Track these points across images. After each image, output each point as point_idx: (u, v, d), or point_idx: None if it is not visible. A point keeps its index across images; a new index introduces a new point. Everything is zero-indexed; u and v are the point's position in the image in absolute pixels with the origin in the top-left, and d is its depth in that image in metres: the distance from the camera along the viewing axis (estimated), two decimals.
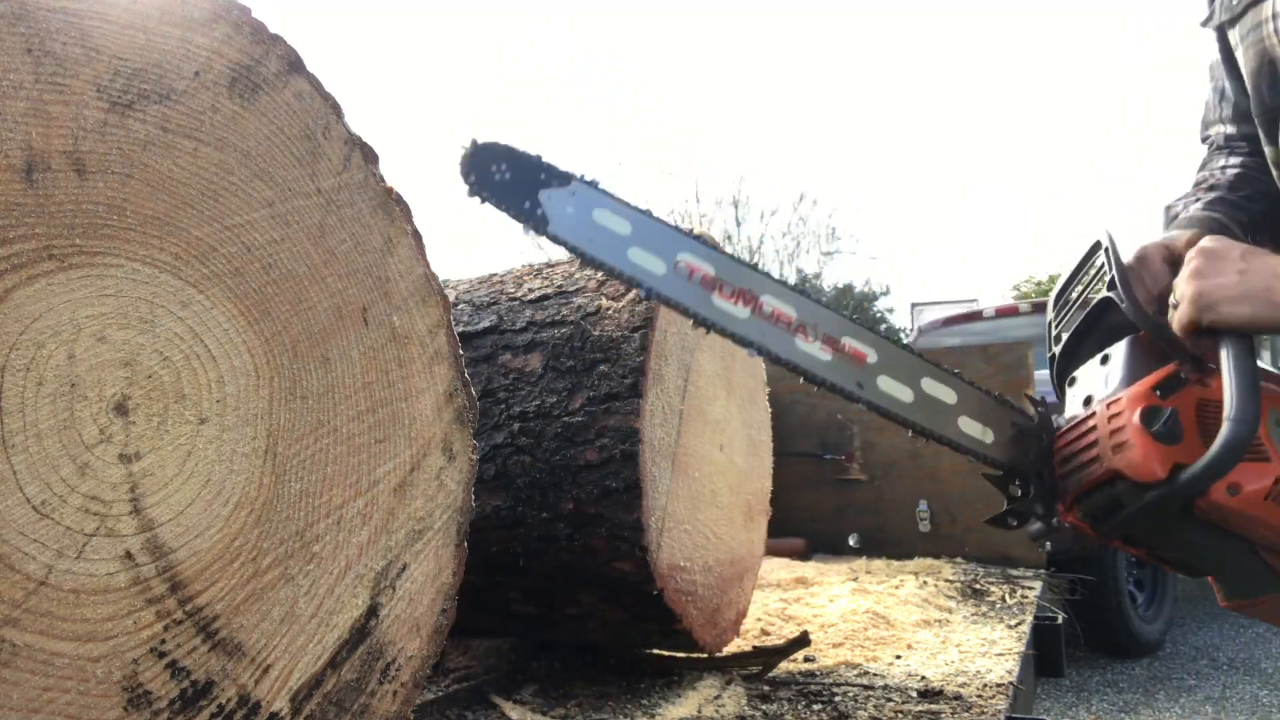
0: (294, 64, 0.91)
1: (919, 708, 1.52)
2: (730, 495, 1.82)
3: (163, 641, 0.78)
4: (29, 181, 0.71)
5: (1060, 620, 2.17)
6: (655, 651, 1.85)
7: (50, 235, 0.72)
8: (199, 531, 0.81)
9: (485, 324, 1.69)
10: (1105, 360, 1.13)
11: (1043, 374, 4.39)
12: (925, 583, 2.69)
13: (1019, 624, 2.20)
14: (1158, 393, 1.05)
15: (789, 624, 2.19)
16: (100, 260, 0.75)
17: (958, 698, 1.57)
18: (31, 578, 0.70)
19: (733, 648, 1.85)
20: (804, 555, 3.39)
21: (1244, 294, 1.01)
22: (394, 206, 1.01)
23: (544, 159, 1.14)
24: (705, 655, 1.76)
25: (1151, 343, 1.10)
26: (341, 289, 0.95)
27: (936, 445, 1.21)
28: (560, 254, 1.36)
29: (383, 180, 1.00)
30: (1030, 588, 2.66)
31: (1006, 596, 2.56)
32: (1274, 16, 1.12)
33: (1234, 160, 1.30)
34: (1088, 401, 1.14)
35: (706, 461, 1.73)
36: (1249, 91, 1.20)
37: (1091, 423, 1.11)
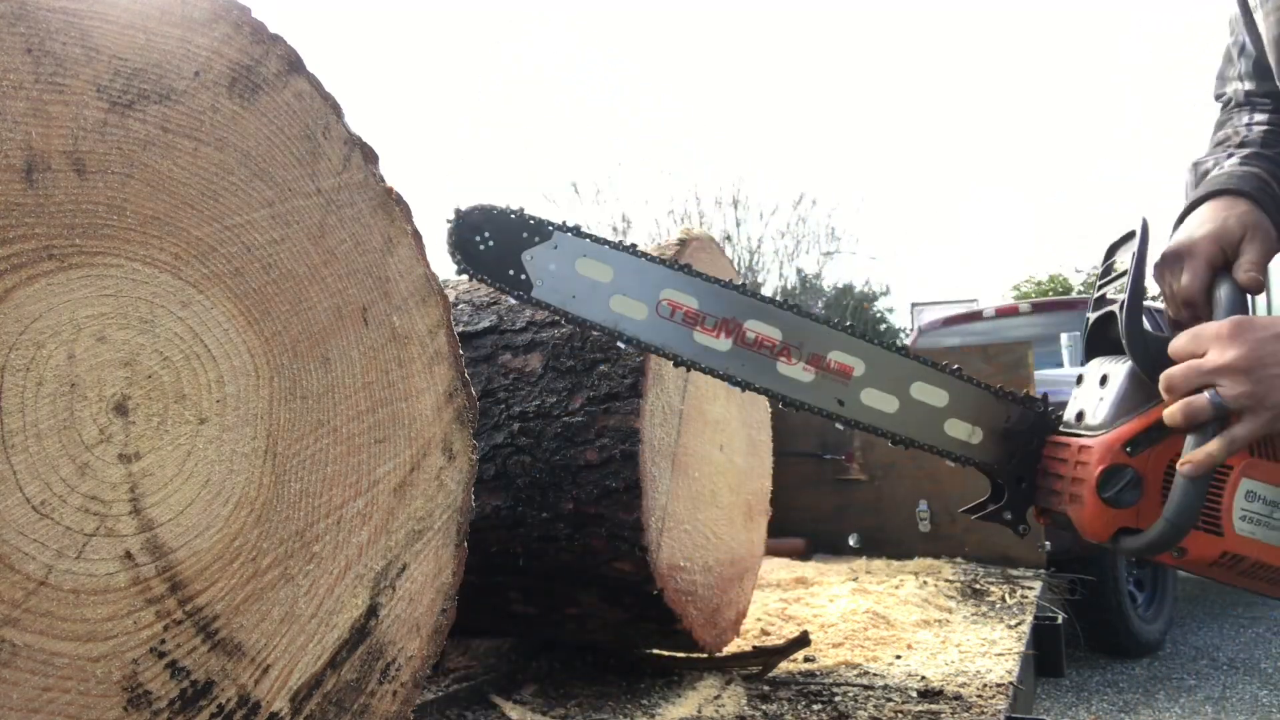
0: (294, 64, 0.91)
1: (919, 708, 1.52)
2: (730, 495, 1.82)
3: (163, 641, 0.78)
4: (29, 181, 0.71)
5: (1060, 620, 2.17)
6: (655, 651, 1.85)
7: (50, 235, 0.72)
8: (199, 531, 0.81)
9: (485, 324, 1.69)
10: (1104, 382, 1.12)
11: (1043, 374, 4.39)
12: (925, 583, 2.69)
13: (1019, 624, 2.20)
14: (1128, 450, 1.05)
15: (789, 624, 2.19)
16: (100, 260, 0.75)
17: (958, 698, 1.57)
18: (31, 578, 0.70)
19: (733, 648, 1.86)
20: (804, 555, 3.39)
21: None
22: (394, 206, 1.01)
23: (525, 212, 1.16)
24: (705, 655, 1.77)
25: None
26: (341, 289, 0.95)
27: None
28: None
29: (383, 180, 1.00)
30: (1030, 588, 2.66)
31: (1006, 596, 2.56)
32: None
33: (1259, 117, 1.25)
34: (1080, 417, 1.15)
35: (706, 461, 1.73)
36: (1271, 59, 1.17)
37: (1065, 455, 1.12)
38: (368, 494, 0.96)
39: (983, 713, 1.49)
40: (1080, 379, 1.18)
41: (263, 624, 0.86)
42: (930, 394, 1.19)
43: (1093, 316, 1.17)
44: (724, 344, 1.17)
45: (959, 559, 3.17)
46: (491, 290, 1.79)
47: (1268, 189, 1.13)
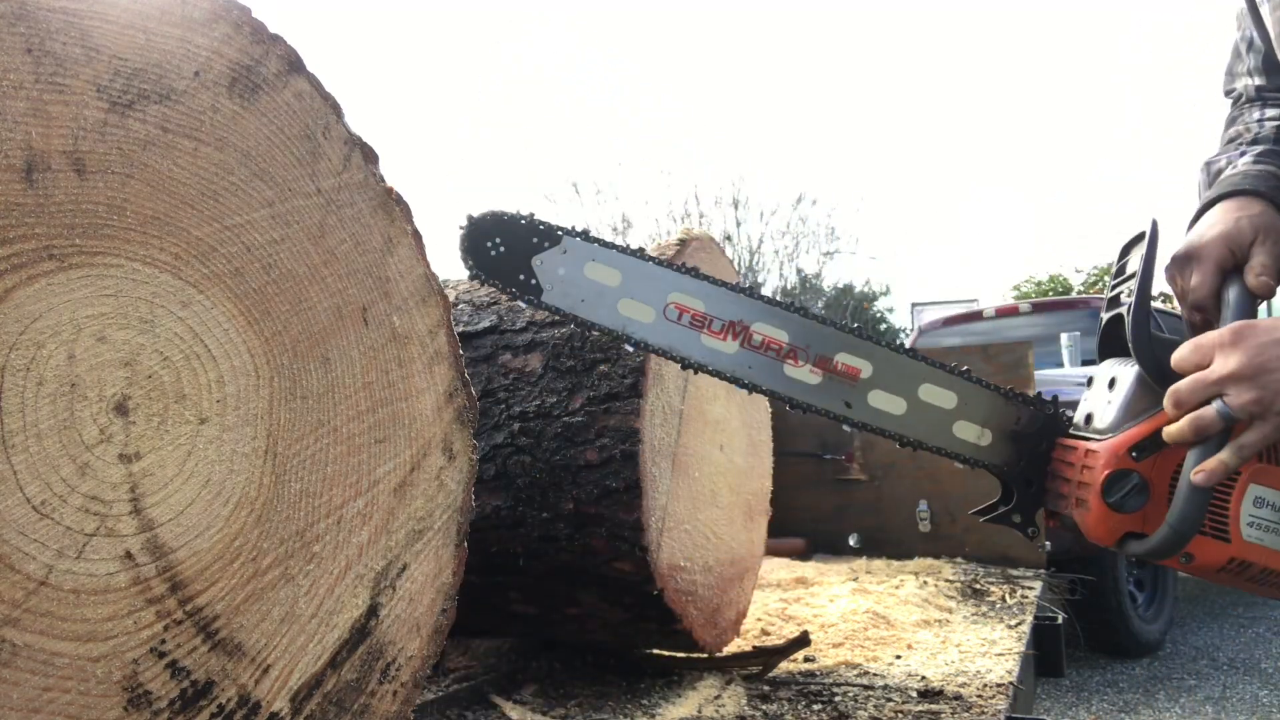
0: (294, 64, 0.91)
1: (919, 708, 1.52)
2: (730, 495, 1.82)
3: (163, 641, 0.78)
4: (29, 181, 0.71)
5: (1060, 620, 2.17)
6: (655, 651, 1.85)
7: (50, 235, 0.72)
8: (199, 531, 0.81)
9: (485, 324, 1.69)
10: (1112, 385, 1.11)
11: (1042, 374, 4.38)
12: (925, 583, 2.69)
13: (1019, 624, 2.20)
14: (1133, 454, 1.04)
15: (789, 624, 2.19)
16: (100, 260, 0.75)
17: (958, 698, 1.57)
18: (31, 578, 0.70)
19: (733, 648, 1.85)
20: (804, 555, 3.39)
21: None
22: (394, 206, 1.01)
23: (535, 218, 1.17)
24: (705, 655, 1.77)
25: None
26: (341, 289, 0.95)
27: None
28: None
29: (383, 180, 1.00)
30: (1030, 588, 2.66)
31: (1006, 596, 2.56)
32: None
33: (1270, 112, 1.24)
34: (1088, 420, 1.14)
35: (706, 461, 1.73)
36: (1277, 53, 1.16)
37: (1073, 458, 1.12)
38: (368, 494, 0.96)
39: (983, 713, 1.49)
40: (1091, 381, 1.17)
41: (263, 624, 0.86)
42: (939, 395, 1.18)
43: (1106, 317, 1.16)
44: (731, 347, 1.17)
45: (959, 559, 3.17)
46: (492, 290, 1.79)
47: None
